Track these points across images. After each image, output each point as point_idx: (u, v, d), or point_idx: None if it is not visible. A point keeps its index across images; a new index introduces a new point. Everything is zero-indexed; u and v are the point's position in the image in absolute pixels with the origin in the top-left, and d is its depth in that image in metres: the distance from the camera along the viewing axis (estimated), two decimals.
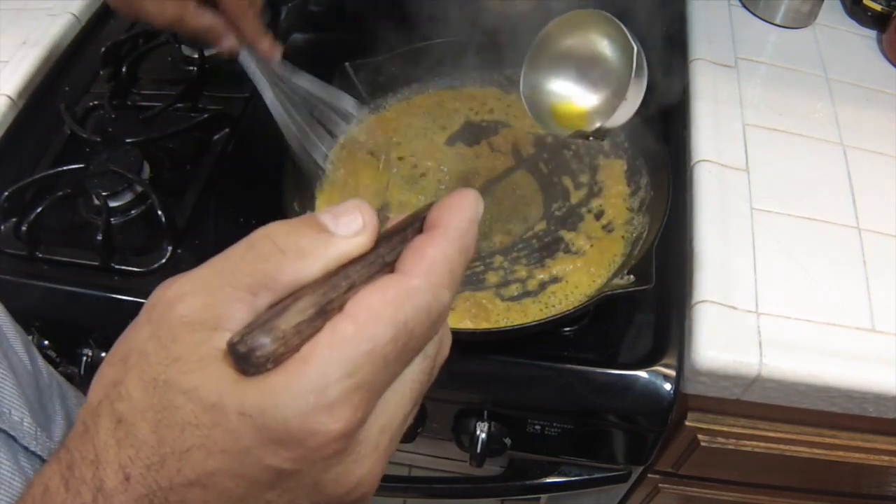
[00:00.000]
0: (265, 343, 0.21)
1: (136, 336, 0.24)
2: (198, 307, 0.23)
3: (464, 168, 0.70)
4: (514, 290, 0.61)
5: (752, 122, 0.73)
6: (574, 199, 0.68)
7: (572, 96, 0.46)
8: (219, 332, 0.22)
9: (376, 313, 0.23)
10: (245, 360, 0.21)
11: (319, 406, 0.22)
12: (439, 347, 0.28)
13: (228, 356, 0.22)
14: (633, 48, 0.42)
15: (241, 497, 0.23)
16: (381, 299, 0.23)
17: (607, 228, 0.65)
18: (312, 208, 0.66)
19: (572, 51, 0.47)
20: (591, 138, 0.45)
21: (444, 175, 0.70)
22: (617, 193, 0.68)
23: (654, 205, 0.63)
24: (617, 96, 0.43)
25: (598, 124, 0.44)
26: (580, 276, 0.62)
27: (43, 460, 0.38)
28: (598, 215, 0.66)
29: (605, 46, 0.45)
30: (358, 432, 0.23)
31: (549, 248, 0.64)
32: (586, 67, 0.46)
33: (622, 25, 0.43)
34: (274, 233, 0.24)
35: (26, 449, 0.37)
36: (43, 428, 0.39)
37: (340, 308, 0.23)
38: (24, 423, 0.37)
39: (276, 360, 0.22)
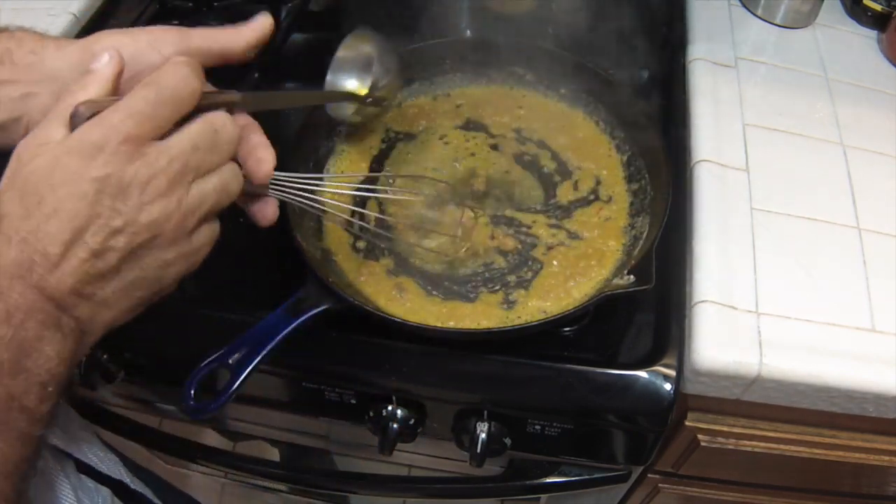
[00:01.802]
0: (80, 111, 0.38)
1: None
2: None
3: (462, 167, 0.70)
4: (514, 295, 0.61)
5: (752, 122, 0.73)
6: (574, 199, 0.68)
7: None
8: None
9: (140, 83, 0.39)
10: (72, 119, 0.38)
11: (107, 126, 0.36)
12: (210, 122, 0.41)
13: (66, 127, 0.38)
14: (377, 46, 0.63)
15: (79, 213, 0.35)
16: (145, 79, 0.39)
17: (607, 228, 0.65)
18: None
19: (356, 56, 0.64)
20: (368, 100, 0.63)
21: (441, 174, 0.70)
22: (617, 193, 0.68)
23: (654, 205, 0.63)
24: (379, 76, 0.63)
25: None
26: (579, 275, 0.62)
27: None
28: (598, 215, 0.66)
29: (370, 49, 0.64)
30: (140, 144, 0.37)
31: (549, 247, 0.64)
32: (365, 65, 0.64)
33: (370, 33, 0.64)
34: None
35: None
36: None
37: None
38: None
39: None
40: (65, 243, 0.35)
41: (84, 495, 0.49)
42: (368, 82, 0.63)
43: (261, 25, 0.49)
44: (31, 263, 0.35)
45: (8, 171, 0.37)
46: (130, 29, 0.46)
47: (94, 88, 0.39)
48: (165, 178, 0.37)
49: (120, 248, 0.37)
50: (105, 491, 0.52)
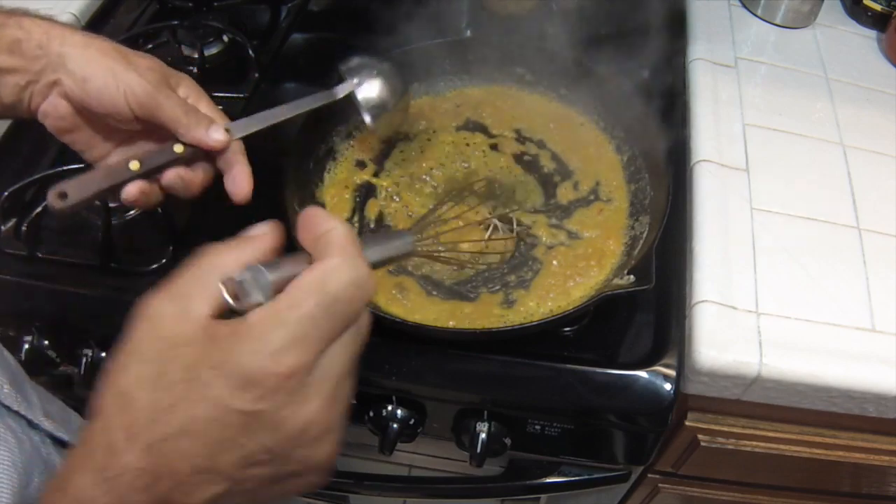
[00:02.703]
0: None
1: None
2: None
3: (462, 168, 0.70)
4: (514, 294, 0.61)
5: (752, 122, 0.73)
6: (574, 199, 0.68)
7: None
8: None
9: (303, 287, 0.31)
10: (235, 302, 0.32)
11: (267, 355, 0.29)
12: (365, 322, 0.34)
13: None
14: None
15: (219, 441, 0.29)
16: (309, 277, 0.31)
17: (607, 228, 0.65)
18: (314, 205, 0.66)
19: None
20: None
21: (442, 175, 0.70)
22: (617, 193, 0.68)
23: (654, 205, 0.63)
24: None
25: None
26: (579, 275, 0.62)
27: (27, 420, 0.44)
28: (598, 215, 0.66)
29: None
30: (304, 376, 0.30)
31: (549, 247, 0.64)
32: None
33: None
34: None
35: (9, 409, 0.43)
36: (21, 393, 0.45)
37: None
38: (5, 388, 0.43)
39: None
40: (198, 469, 0.29)
41: None
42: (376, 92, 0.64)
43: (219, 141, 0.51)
44: (157, 478, 0.29)
45: (137, 333, 0.31)
46: (133, 63, 0.49)
47: (248, 254, 0.33)
48: (330, 417, 0.32)
49: (257, 478, 0.31)
50: None
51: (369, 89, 0.63)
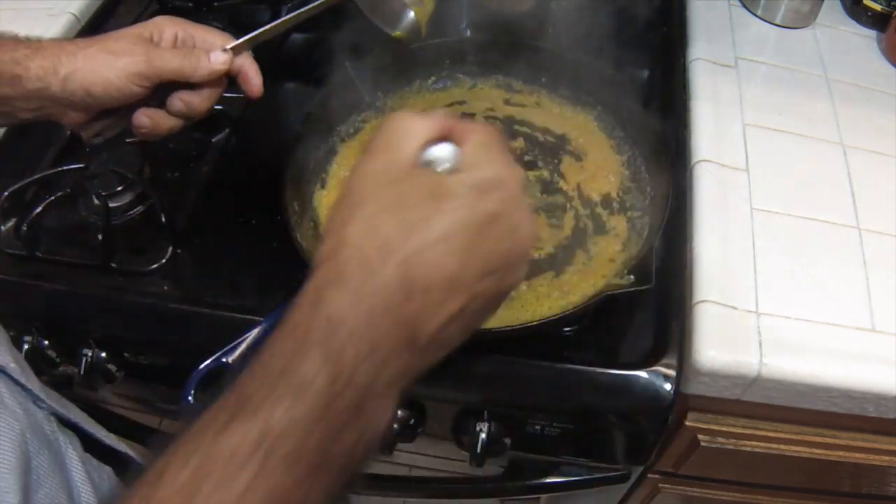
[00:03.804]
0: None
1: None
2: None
3: None
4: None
5: (752, 122, 0.73)
6: (574, 199, 0.68)
7: None
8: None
9: (486, 131, 0.37)
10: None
11: (502, 166, 0.35)
12: None
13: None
14: None
15: (470, 245, 0.32)
16: (481, 128, 0.37)
17: (607, 228, 0.65)
18: (312, 208, 0.66)
19: None
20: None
21: None
22: (617, 194, 0.68)
23: (654, 205, 0.63)
24: None
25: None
26: (580, 276, 0.62)
27: (31, 393, 0.45)
28: (598, 215, 0.66)
29: None
30: (523, 183, 0.36)
31: (549, 247, 0.64)
32: None
33: None
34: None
35: (17, 382, 0.44)
36: (25, 373, 0.45)
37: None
38: (11, 364, 0.44)
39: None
40: (447, 279, 0.32)
41: (91, 468, 0.49)
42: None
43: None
44: (410, 294, 0.31)
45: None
46: (116, 50, 0.51)
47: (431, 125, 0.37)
48: (534, 224, 0.37)
49: (487, 292, 0.34)
50: (108, 469, 0.52)
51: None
